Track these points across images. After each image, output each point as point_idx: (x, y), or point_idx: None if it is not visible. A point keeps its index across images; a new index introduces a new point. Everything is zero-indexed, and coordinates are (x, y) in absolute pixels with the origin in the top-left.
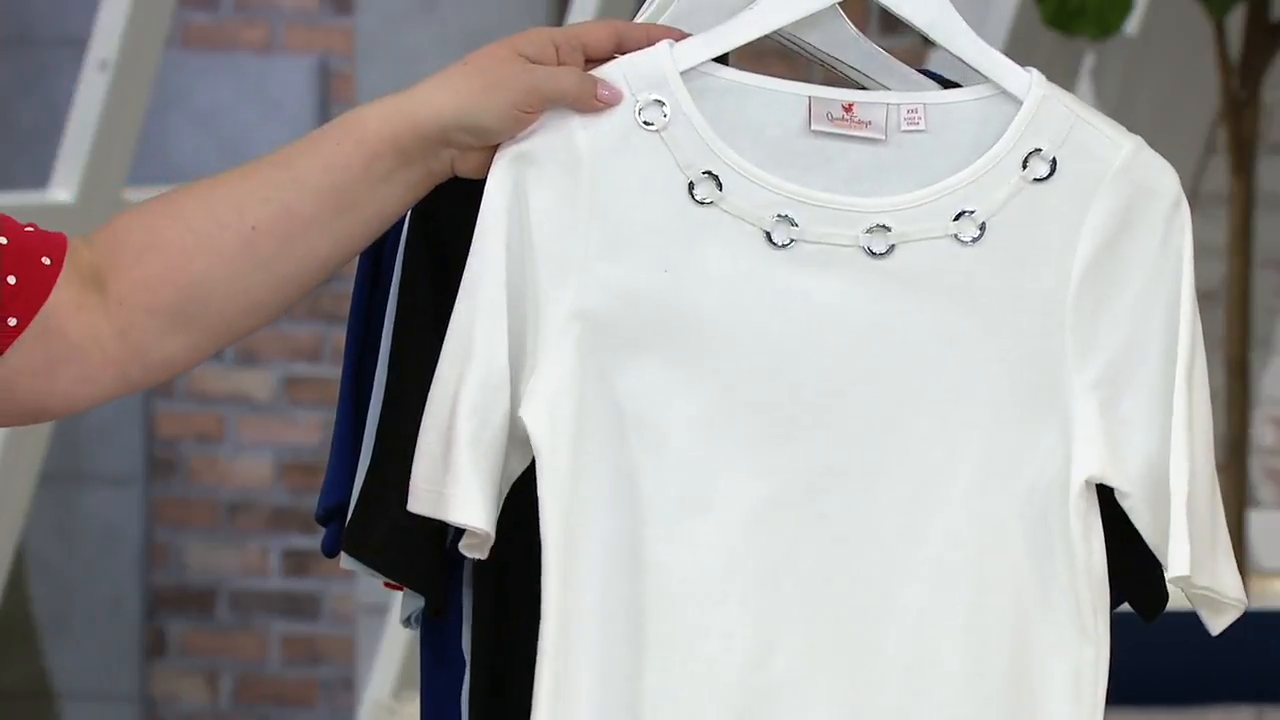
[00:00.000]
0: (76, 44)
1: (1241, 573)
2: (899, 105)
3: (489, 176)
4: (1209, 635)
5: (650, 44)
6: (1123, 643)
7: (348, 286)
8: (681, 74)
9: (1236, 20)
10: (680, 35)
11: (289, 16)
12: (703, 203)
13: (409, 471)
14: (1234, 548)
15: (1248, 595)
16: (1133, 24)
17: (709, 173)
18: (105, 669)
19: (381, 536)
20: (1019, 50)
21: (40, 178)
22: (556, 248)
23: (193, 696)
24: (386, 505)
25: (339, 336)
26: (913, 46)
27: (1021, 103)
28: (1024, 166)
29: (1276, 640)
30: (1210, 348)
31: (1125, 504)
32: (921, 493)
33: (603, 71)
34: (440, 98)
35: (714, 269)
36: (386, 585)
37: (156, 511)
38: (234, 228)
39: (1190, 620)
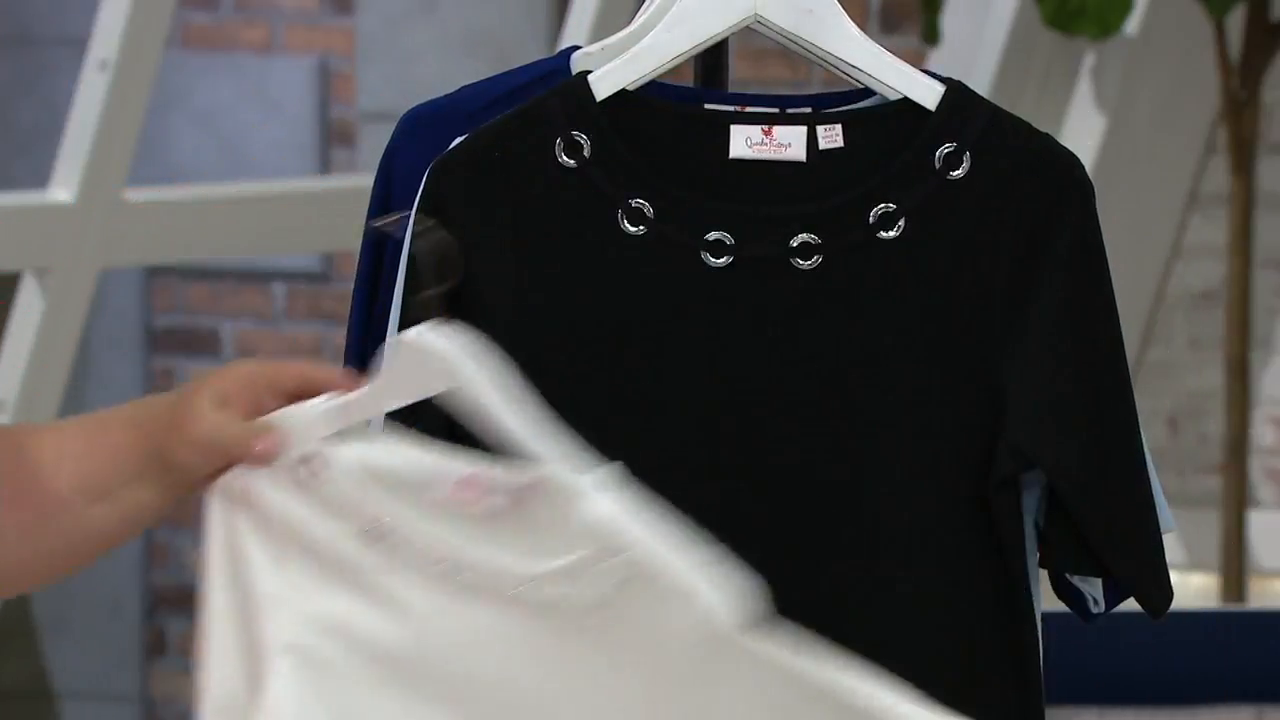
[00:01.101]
0: (76, 44)
1: (1241, 573)
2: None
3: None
4: (1209, 635)
5: (326, 390)
6: (1123, 642)
7: (348, 286)
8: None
9: (1236, 20)
10: (350, 386)
11: (289, 16)
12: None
13: None
14: (1234, 547)
15: (1248, 595)
16: (1133, 24)
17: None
18: (105, 669)
19: None
20: (1019, 50)
21: (40, 178)
22: None
23: (193, 697)
24: None
25: (339, 336)
26: (914, 46)
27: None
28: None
29: (1276, 640)
30: (1210, 348)
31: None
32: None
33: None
34: (158, 424)
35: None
36: None
37: None
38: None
39: (1190, 620)
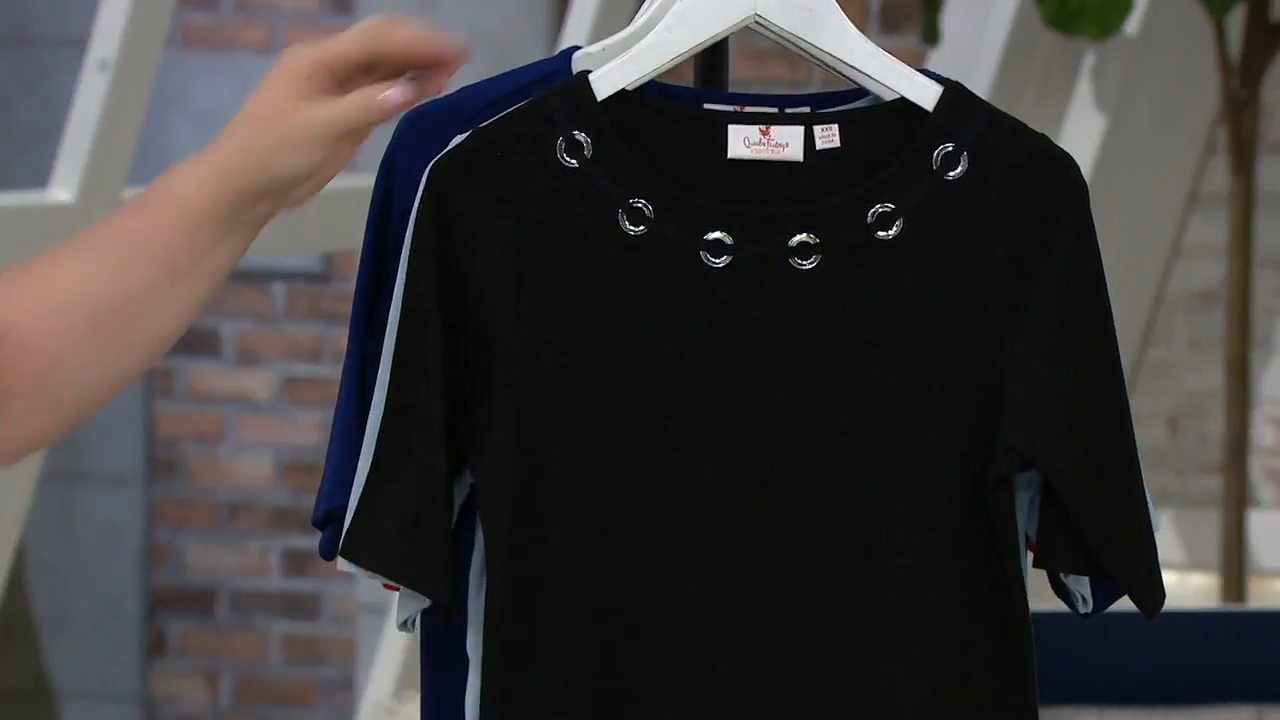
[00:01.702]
0: (76, 44)
1: (1241, 573)
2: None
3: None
4: (1209, 635)
5: (412, 55)
6: (1123, 642)
7: (348, 286)
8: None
9: (1236, 20)
10: (451, 50)
11: (289, 16)
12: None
13: (411, 475)
14: (1234, 547)
15: (1248, 595)
16: (1133, 24)
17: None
18: (105, 669)
19: (385, 540)
20: (1019, 50)
21: (40, 178)
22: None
23: (193, 696)
24: (389, 508)
25: (339, 336)
26: (914, 46)
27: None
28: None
29: (1276, 640)
30: (1210, 348)
31: (1056, 485)
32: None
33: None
34: (241, 162)
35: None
36: (387, 587)
37: (156, 511)
38: (78, 312)
39: (1191, 620)
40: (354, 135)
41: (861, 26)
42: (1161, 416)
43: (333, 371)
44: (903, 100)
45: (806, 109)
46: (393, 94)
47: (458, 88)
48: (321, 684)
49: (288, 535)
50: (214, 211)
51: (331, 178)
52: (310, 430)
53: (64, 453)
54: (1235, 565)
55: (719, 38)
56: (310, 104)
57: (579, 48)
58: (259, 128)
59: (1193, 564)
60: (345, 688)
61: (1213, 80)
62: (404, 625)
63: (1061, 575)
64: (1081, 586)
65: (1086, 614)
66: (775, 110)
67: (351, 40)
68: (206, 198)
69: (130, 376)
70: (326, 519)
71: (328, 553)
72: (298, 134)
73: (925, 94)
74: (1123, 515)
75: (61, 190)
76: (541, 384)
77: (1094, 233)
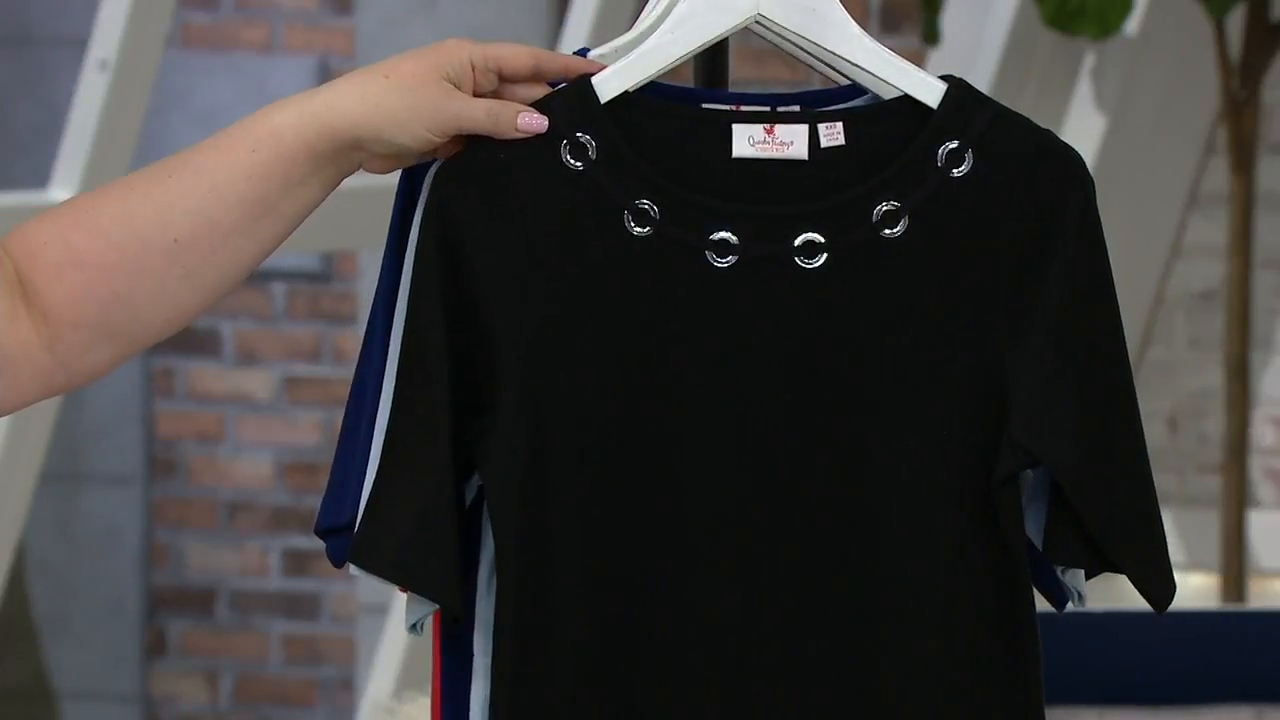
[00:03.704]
0: (76, 44)
1: (1241, 573)
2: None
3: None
4: (1209, 635)
5: (568, 75)
6: (1123, 642)
7: (348, 287)
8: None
9: (1236, 20)
10: (599, 67)
11: (289, 16)
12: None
13: (419, 480)
14: (1234, 547)
15: (1248, 595)
16: (1133, 24)
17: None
18: (105, 669)
19: (393, 545)
20: (1019, 50)
21: (40, 178)
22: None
23: (193, 696)
24: (397, 513)
25: (339, 336)
26: (914, 46)
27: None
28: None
29: (1276, 640)
30: (1210, 348)
31: (1064, 483)
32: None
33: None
34: (358, 109)
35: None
36: (401, 589)
37: (156, 511)
38: (156, 242)
39: (1191, 620)
40: (458, 132)
41: (862, 26)
42: (1161, 416)
43: (333, 371)
44: (907, 98)
45: (796, 107)
46: (533, 120)
47: None
48: (321, 684)
49: (288, 535)
50: (312, 148)
51: (402, 166)
52: (310, 430)
53: (64, 453)
54: (1235, 565)
55: (721, 38)
56: (452, 90)
57: (587, 49)
58: (394, 88)
59: (1193, 564)
60: (345, 688)
61: (1213, 80)
62: (414, 628)
63: (1058, 570)
64: (1077, 581)
65: (1070, 609)
66: (768, 109)
67: (524, 53)
68: (311, 133)
69: (196, 313)
70: (346, 526)
71: (338, 559)
72: (429, 111)
73: (929, 91)
74: (1132, 509)
75: (61, 190)
76: (549, 385)
77: (1100, 227)
